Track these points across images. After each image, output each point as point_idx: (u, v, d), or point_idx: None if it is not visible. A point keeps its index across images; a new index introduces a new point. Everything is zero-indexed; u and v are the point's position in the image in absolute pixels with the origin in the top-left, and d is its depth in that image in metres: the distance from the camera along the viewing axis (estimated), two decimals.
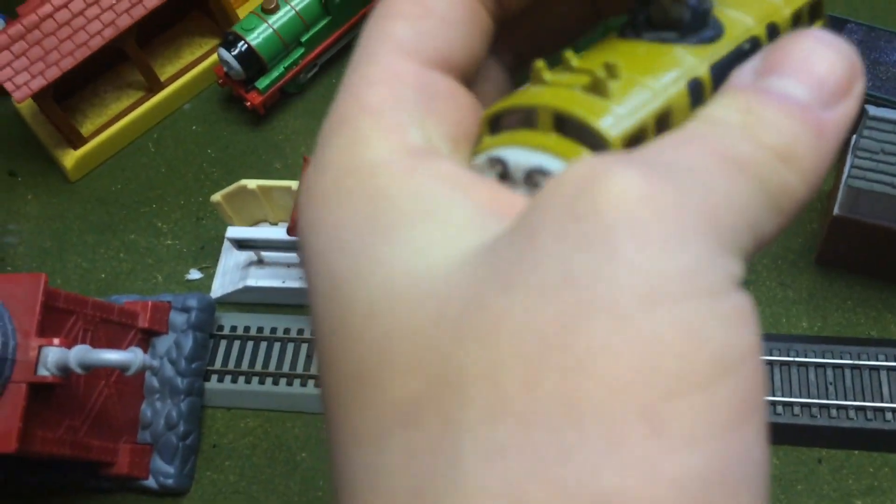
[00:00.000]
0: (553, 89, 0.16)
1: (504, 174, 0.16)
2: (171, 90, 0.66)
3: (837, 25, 0.52)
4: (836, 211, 0.48)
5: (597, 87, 0.16)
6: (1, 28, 0.66)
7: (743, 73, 0.16)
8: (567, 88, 0.16)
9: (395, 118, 0.15)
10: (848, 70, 0.16)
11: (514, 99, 0.17)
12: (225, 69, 0.63)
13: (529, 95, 0.17)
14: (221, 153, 0.65)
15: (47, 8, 0.58)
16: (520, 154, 0.16)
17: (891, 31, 0.52)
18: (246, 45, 0.62)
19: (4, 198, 0.65)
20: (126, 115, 0.65)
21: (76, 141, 0.64)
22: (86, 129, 0.65)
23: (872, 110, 0.44)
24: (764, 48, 0.17)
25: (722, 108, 0.15)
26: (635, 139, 0.16)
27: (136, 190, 0.64)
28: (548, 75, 0.17)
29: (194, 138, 0.66)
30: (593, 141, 0.15)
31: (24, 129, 0.67)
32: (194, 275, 0.61)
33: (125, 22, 0.60)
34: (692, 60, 0.17)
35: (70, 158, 0.64)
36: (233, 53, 0.62)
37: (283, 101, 0.66)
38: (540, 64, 0.17)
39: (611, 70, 0.16)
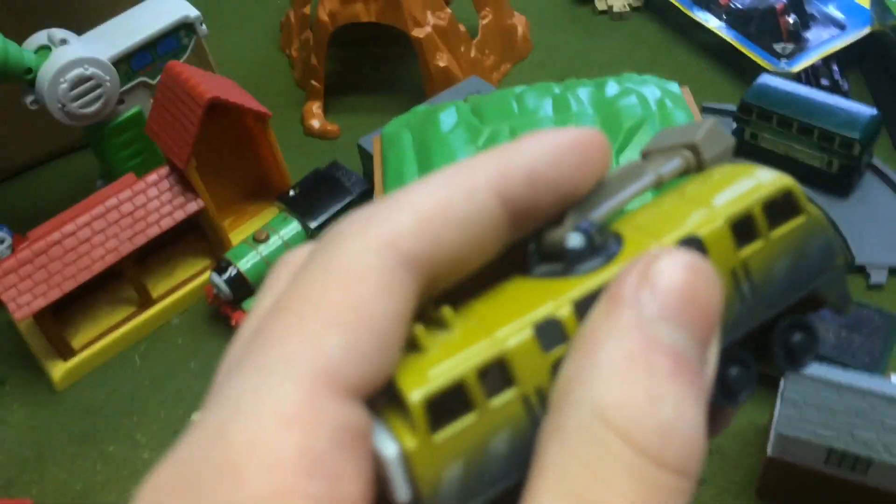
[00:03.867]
0: (408, 360, 0.16)
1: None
2: (161, 306, 0.71)
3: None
4: (769, 452, 0.53)
5: (415, 345, 0.16)
6: (5, 241, 0.72)
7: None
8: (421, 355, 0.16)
9: (303, 486, 0.14)
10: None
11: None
12: (215, 290, 0.68)
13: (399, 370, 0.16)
14: (204, 367, 0.69)
15: (56, 235, 0.64)
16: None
17: None
18: (236, 271, 0.67)
19: None
20: (117, 328, 0.70)
21: (66, 353, 0.68)
22: (77, 341, 0.69)
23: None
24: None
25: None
26: (445, 398, 0.15)
27: (119, 401, 0.67)
28: (423, 339, 0.16)
29: (179, 351, 0.70)
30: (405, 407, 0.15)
31: (16, 339, 0.71)
32: None
33: (127, 248, 0.65)
34: (556, 299, 0.16)
35: (59, 370, 0.67)
36: (223, 278, 0.67)
37: None
38: (419, 330, 0.16)
39: (441, 323, 0.16)
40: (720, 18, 0.83)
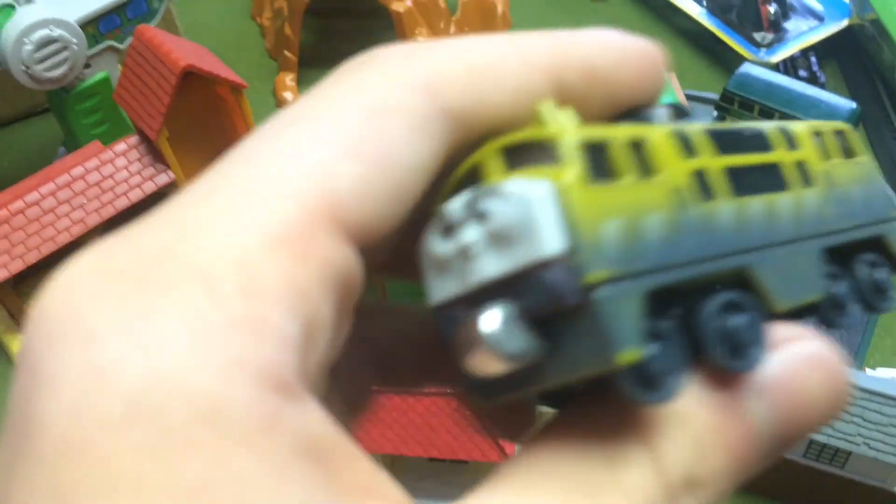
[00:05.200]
0: (492, 141, 0.14)
1: (449, 225, 0.14)
2: None
3: None
4: None
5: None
6: None
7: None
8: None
9: (280, 323, 0.12)
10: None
11: (453, 176, 0.15)
12: None
13: (467, 161, 0.14)
14: None
15: (19, 204, 0.61)
16: (460, 197, 0.14)
17: None
18: None
19: None
20: None
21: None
22: None
23: None
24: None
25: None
26: (597, 152, 0.13)
27: None
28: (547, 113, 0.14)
29: None
30: (550, 155, 0.13)
31: None
32: None
33: (94, 220, 0.63)
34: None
35: (18, 342, 0.65)
36: None
37: None
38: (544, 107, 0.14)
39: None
40: (700, 4, 0.83)
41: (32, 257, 0.61)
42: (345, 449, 0.12)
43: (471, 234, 0.13)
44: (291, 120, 0.13)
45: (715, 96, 0.72)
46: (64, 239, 0.62)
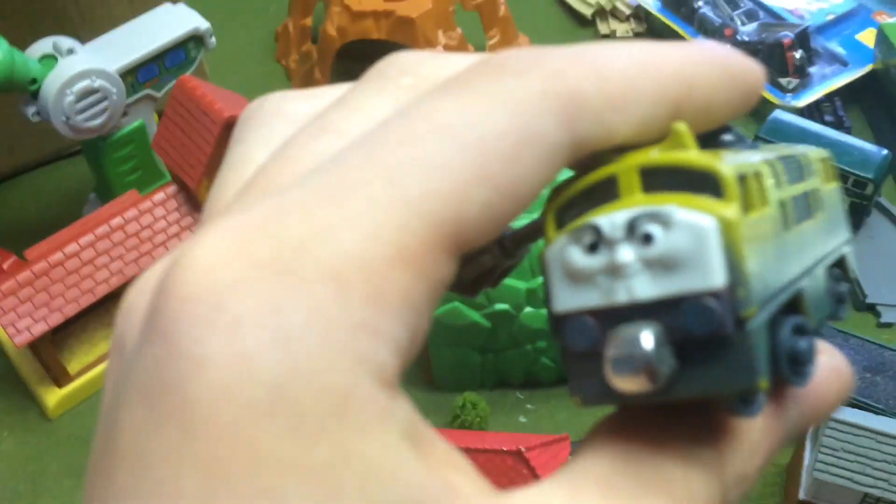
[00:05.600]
0: (627, 158, 0.14)
1: (595, 241, 0.14)
2: None
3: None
4: (801, 496, 0.53)
5: (680, 143, 0.14)
6: None
7: None
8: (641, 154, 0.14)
9: (390, 328, 0.13)
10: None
11: (580, 182, 0.15)
12: None
13: (597, 171, 0.14)
14: None
15: (58, 256, 0.60)
16: (615, 215, 0.14)
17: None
18: None
19: None
20: None
21: (62, 379, 0.64)
22: (73, 367, 0.65)
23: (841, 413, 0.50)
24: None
25: None
26: (747, 181, 0.14)
27: None
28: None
29: None
30: (700, 184, 0.14)
31: (3, 363, 0.67)
32: None
33: (132, 271, 0.62)
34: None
35: (53, 396, 0.64)
36: None
37: None
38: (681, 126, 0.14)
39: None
40: None
41: (71, 310, 0.60)
42: (427, 433, 0.13)
43: (627, 253, 0.14)
44: (430, 129, 0.13)
45: None
46: (102, 290, 0.61)
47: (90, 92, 0.61)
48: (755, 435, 0.15)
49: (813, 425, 0.17)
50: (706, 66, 0.15)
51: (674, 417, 0.15)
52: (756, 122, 0.81)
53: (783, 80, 0.80)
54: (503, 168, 0.13)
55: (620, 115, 0.14)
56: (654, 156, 0.14)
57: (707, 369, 0.14)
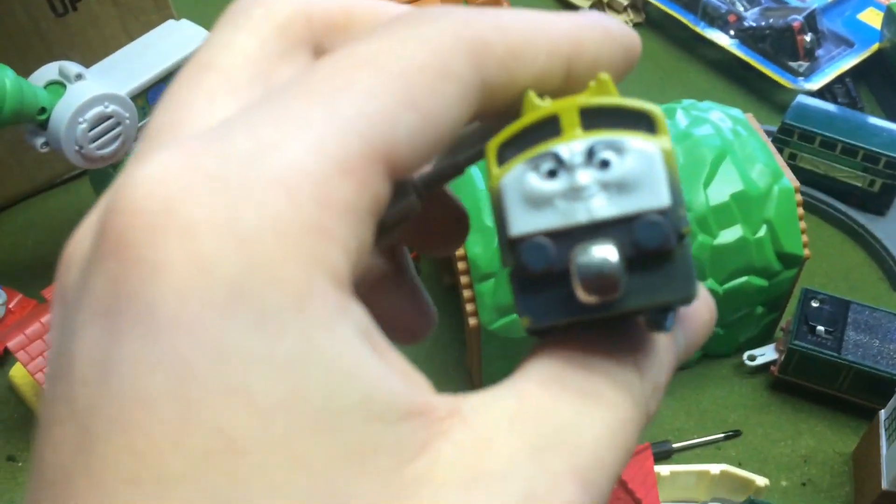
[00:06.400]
0: (564, 101, 0.16)
1: (554, 168, 0.15)
2: None
3: (842, 305, 0.59)
4: (884, 486, 0.52)
5: (605, 89, 0.16)
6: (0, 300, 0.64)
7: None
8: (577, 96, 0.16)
9: (345, 236, 0.14)
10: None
11: (519, 122, 0.16)
12: None
13: (538, 111, 0.16)
14: None
15: None
16: (573, 143, 0.15)
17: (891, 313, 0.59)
18: None
19: (4, 487, 0.59)
20: None
21: None
22: None
23: None
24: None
25: None
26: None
27: None
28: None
29: None
30: (635, 122, 0.15)
31: (23, 410, 0.63)
32: None
33: None
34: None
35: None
36: None
37: None
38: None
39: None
40: (728, 35, 0.83)
41: None
42: (382, 339, 0.14)
43: (587, 177, 0.15)
44: (359, 63, 0.15)
45: (771, 128, 0.72)
46: None
47: (103, 118, 0.57)
48: (662, 352, 0.17)
49: (693, 350, 0.19)
50: (592, 29, 0.17)
51: (601, 337, 0.16)
52: (774, 112, 0.81)
53: (794, 64, 0.79)
54: (426, 97, 0.14)
55: (520, 63, 0.16)
56: (592, 99, 0.15)
57: (652, 282, 0.15)
